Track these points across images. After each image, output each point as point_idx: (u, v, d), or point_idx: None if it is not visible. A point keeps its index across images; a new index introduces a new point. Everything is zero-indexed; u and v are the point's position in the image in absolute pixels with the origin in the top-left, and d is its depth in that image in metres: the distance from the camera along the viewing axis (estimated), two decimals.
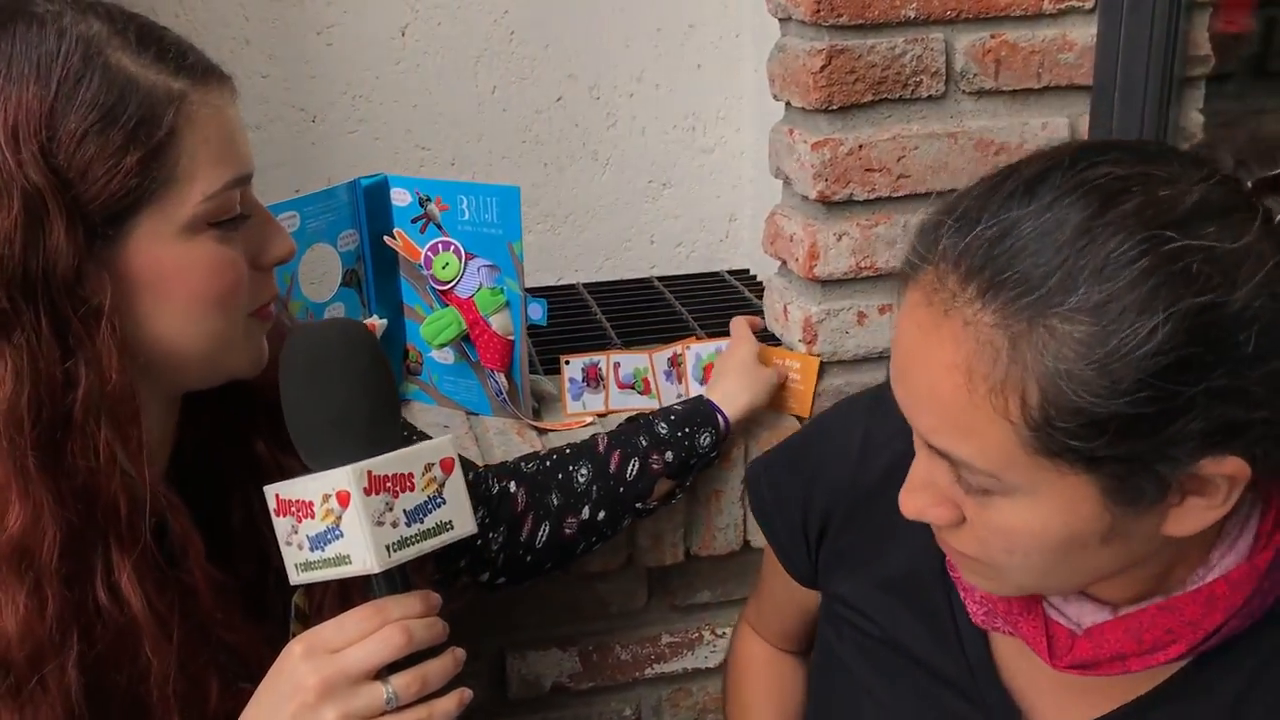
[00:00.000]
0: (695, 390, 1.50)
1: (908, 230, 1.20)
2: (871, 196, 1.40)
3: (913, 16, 1.35)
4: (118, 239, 0.83)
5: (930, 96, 1.39)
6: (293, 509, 0.84)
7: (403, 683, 0.80)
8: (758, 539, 1.42)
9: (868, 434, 1.03)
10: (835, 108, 1.36)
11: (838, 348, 1.45)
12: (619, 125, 1.98)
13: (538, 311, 1.42)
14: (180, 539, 0.89)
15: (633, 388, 1.49)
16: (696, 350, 1.50)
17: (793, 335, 1.49)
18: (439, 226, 1.43)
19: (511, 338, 1.43)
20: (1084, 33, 1.40)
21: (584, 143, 1.98)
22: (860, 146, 1.38)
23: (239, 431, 0.97)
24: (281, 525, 0.85)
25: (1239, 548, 0.80)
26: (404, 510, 0.82)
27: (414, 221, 1.44)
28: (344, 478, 0.80)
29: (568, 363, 1.48)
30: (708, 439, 1.29)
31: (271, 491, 0.86)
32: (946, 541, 0.82)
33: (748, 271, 2.04)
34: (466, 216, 1.41)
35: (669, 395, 1.49)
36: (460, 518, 0.86)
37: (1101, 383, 0.67)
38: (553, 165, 1.97)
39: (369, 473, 0.80)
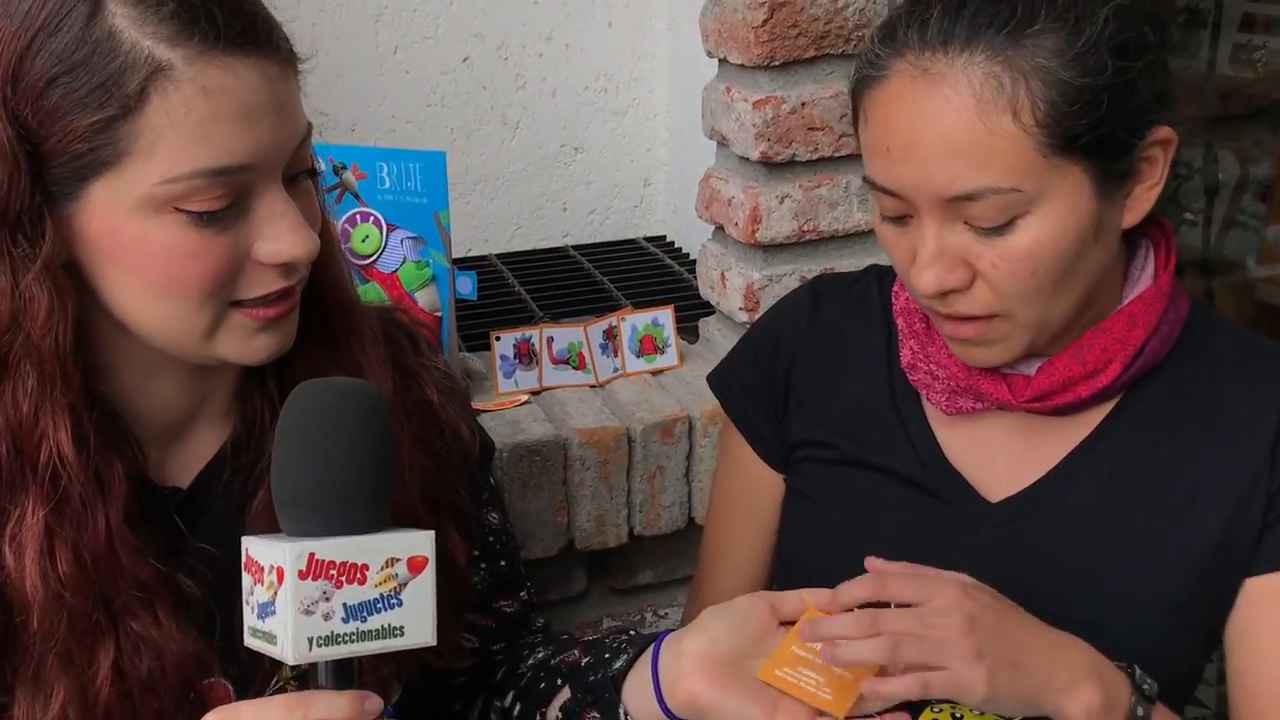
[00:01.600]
0: (632, 365, 1.44)
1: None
2: (814, 156, 1.35)
3: None
4: (76, 196, 0.79)
5: None
6: (251, 569, 0.75)
7: None
8: (702, 513, 1.37)
9: (815, 293, 1.14)
10: (777, 64, 1.31)
11: None
12: (528, 87, 1.90)
13: (467, 285, 1.34)
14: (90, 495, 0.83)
15: (567, 363, 1.42)
16: (632, 321, 1.44)
17: (732, 303, 1.43)
18: (356, 196, 1.33)
19: (439, 314, 1.34)
20: None
21: (492, 106, 1.89)
22: (803, 104, 1.33)
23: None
24: (245, 580, 0.76)
25: (1144, 279, 0.98)
26: (343, 603, 0.72)
27: (328, 191, 1.34)
28: (284, 554, 0.72)
29: (498, 339, 1.39)
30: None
31: (245, 544, 0.77)
32: (955, 312, 0.92)
33: (664, 238, 1.98)
34: (387, 185, 1.31)
35: (605, 369, 1.43)
36: (416, 625, 0.75)
37: (1083, 66, 0.86)
38: (459, 130, 1.88)
39: (310, 555, 0.72)
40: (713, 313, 1.54)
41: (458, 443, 1.04)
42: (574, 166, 1.96)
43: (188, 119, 0.77)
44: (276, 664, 0.92)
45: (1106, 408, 1.00)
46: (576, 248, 1.93)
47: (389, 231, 1.33)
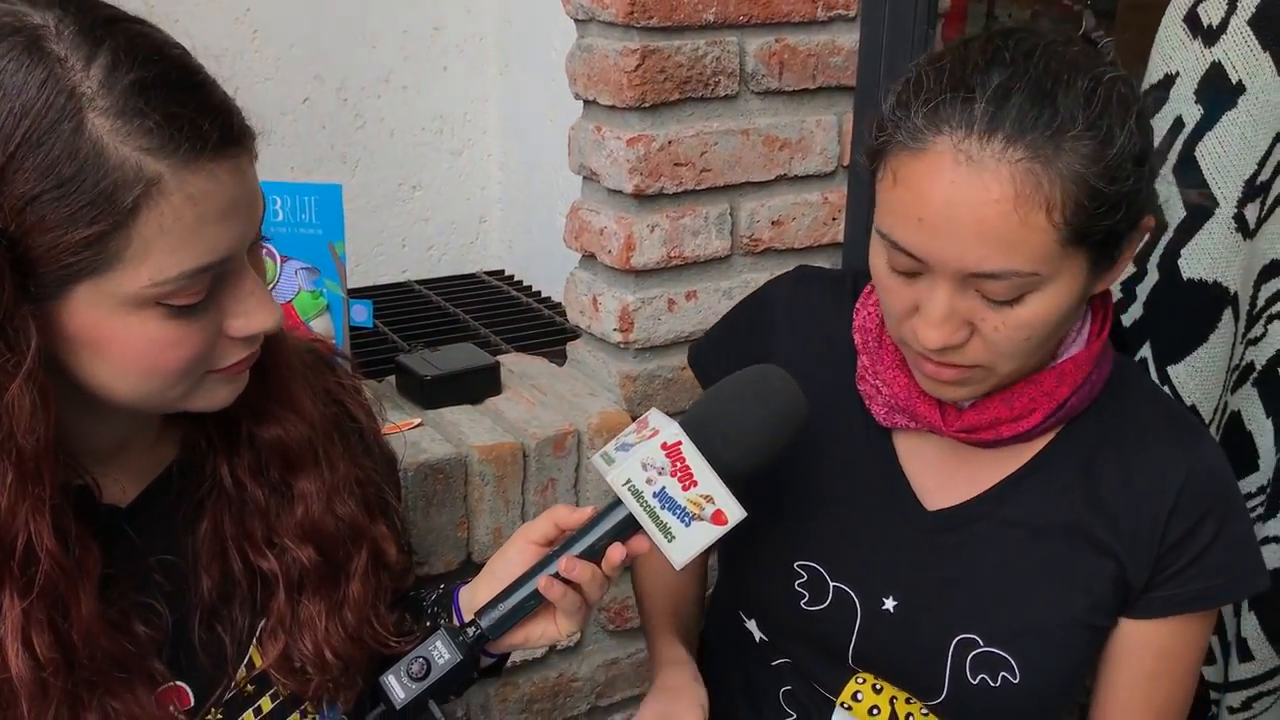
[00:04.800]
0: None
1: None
2: (679, 189, 1.48)
3: (712, 20, 1.44)
4: (57, 297, 0.79)
5: (726, 96, 1.49)
6: (641, 423, 0.98)
7: None
8: None
9: (797, 279, 1.23)
10: (648, 105, 1.43)
11: (650, 334, 1.52)
12: (367, 127, 1.95)
13: (362, 314, 1.39)
14: (70, 583, 0.84)
15: None
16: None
17: (606, 325, 1.54)
18: None
19: (334, 342, 1.38)
20: (850, 38, 1.55)
21: (332, 145, 1.92)
22: (670, 142, 1.46)
23: (227, 449, 0.97)
24: (629, 428, 0.99)
25: (1079, 342, 1.07)
26: (664, 487, 0.94)
27: None
28: (670, 427, 0.94)
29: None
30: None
31: (652, 411, 0.99)
32: (949, 363, 1.00)
33: (502, 271, 2.07)
34: (281, 217, 1.35)
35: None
36: (682, 547, 0.95)
37: (1111, 175, 0.92)
38: (300, 168, 1.90)
39: (679, 443, 0.94)
40: (574, 337, 1.65)
41: (383, 454, 1.12)
42: (412, 204, 2.01)
43: (175, 226, 0.78)
44: (235, 666, 0.97)
45: (1043, 442, 1.09)
46: (420, 282, 1.98)
47: (283, 262, 1.36)
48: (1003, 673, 1.06)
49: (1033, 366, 1.04)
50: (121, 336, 0.81)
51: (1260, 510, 1.47)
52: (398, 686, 0.96)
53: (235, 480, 0.98)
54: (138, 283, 0.78)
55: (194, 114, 0.78)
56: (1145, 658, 1.09)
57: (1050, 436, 1.09)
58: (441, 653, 0.96)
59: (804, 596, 1.11)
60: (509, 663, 1.53)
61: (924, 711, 1.12)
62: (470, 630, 0.98)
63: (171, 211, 0.78)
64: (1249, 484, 1.50)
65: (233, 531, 0.98)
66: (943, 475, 1.12)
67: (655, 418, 0.97)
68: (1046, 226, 0.91)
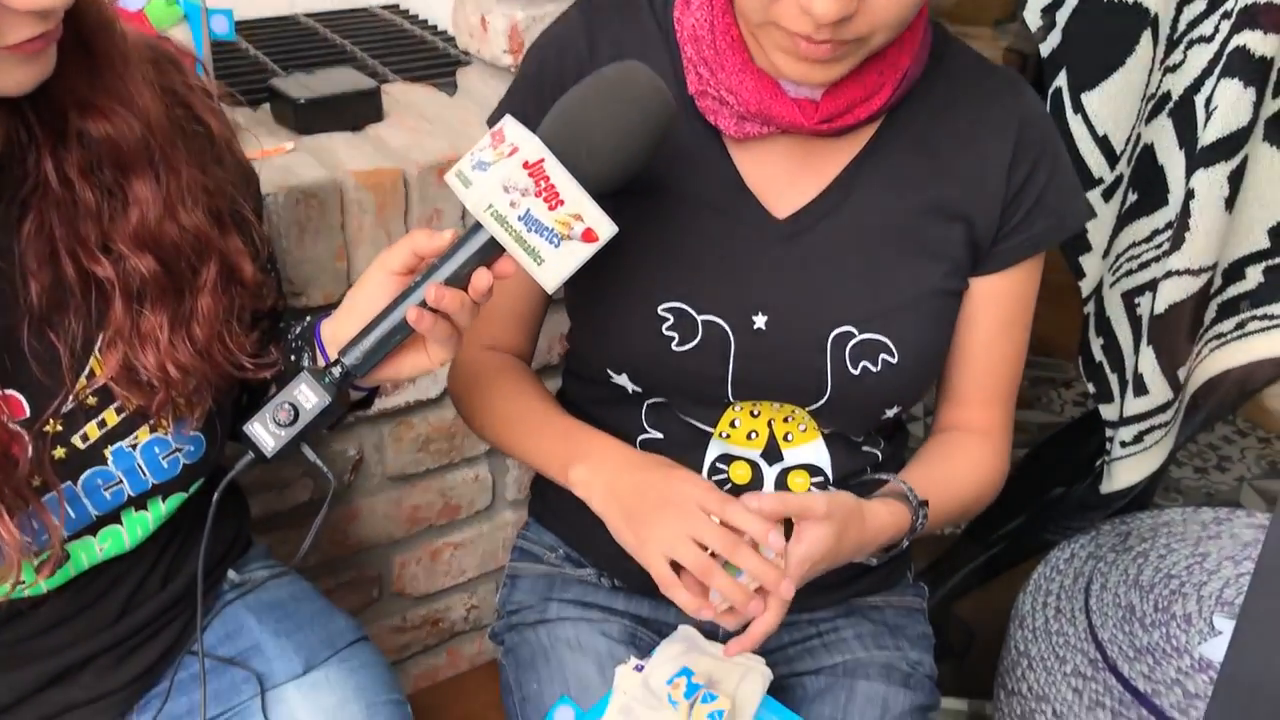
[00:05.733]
0: None
1: None
2: None
3: None
4: None
5: None
6: (496, 136, 0.89)
7: None
8: None
9: (586, 15, 1.12)
10: None
11: None
12: None
13: (223, 25, 1.29)
14: None
15: None
16: None
17: (495, 47, 1.44)
18: None
19: (194, 56, 1.28)
20: None
21: None
22: None
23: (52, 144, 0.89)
24: (483, 140, 0.90)
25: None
26: (528, 209, 0.87)
27: None
28: (530, 144, 0.87)
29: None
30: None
31: (506, 120, 0.89)
32: (828, 39, 0.92)
33: (398, 5, 1.94)
34: None
35: None
36: (552, 270, 0.89)
37: None
38: None
39: (542, 160, 0.87)
40: (465, 64, 1.55)
41: (237, 163, 1.04)
42: None
43: None
44: (73, 377, 0.92)
45: (874, 127, 1.08)
46: (309, 15, 1.85)
47: None
48: (882, 355, 1.06)
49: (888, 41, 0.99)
50: None
51: (1165, 247, 1.44)
52: (265, 434, 0.92)
53: (63, 179, 0.90)
54: None
55: None
56: (998, 310, 1.13)
57: (883, 117, 1.08)
58: (308, 396, 0.92)
59: (673, 339, 1.07)
60: (404, 403, 1.51)
61: (802, 429, 1.11)
62: (335, 370, 0.93)
63: None
64: (1157, 220, 1.47)
65: (62, 234, 0.91)
66: (784, 181, 1.08)
67: (511, 130, 0.89)
68: None
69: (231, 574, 1.14)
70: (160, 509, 1.02)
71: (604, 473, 1.06)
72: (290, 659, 1.10)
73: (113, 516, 0.99)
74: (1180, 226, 1.39)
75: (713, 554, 0.96)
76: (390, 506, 1.56)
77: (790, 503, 0.98)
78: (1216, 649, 1.54)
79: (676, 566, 0.98)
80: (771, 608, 0.97)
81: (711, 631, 1.13)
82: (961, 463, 1.17)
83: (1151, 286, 1.45)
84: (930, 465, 1.16)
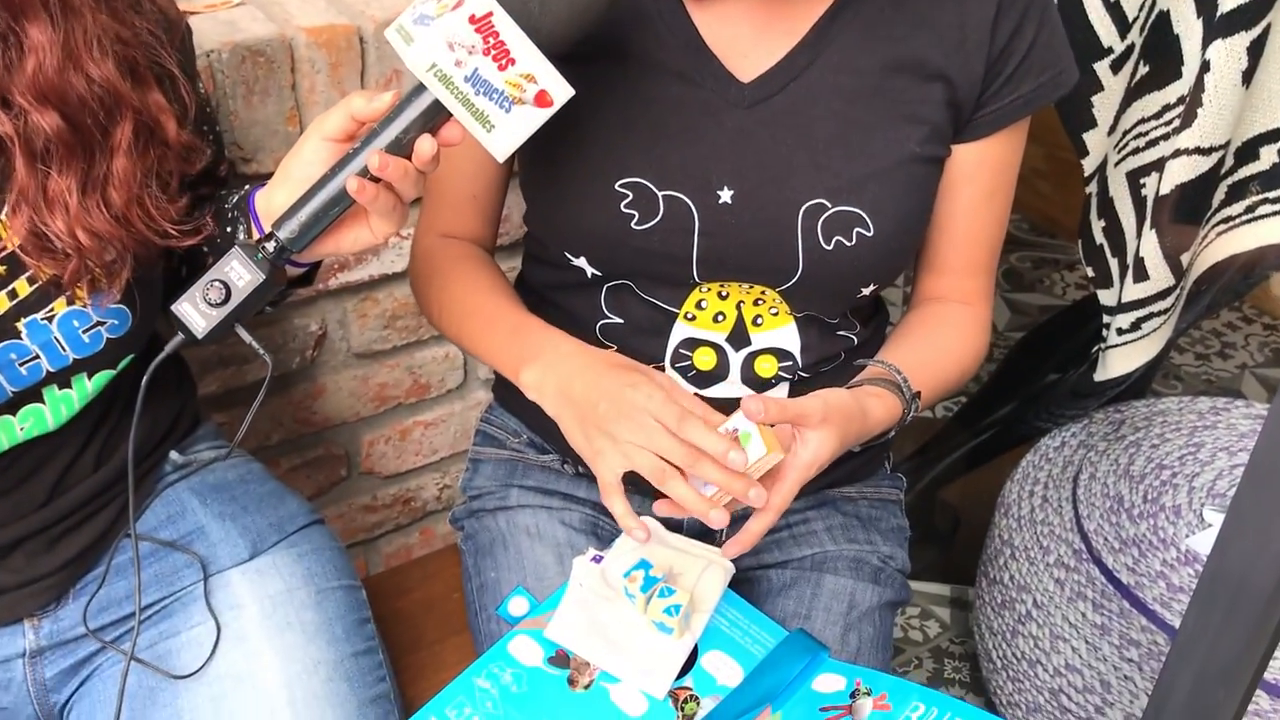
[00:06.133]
0: None
1: None
2: None
3: None
4: None
5: None
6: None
7: None
8: None
9: None
10: None
11: None
12: None
13: None
14: None
15: None
16: None
17: None
18: None
19: None
20: None
21: None
22: None
23: None
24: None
25: None
26: (476, 69, 0.80)
27: None
28: (486, 1, 0.79)
29: None
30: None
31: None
32: None
33: None
34: None
35: None
36: (502, 138, 0.82)
37: None
38: None
39: (490, 13, 0.79)
40: None
41: (158, 10, 0.95)
42: None
43: None
44: None
45: None
46: None
47: None
48: (856, 229, 0.99)
49: None
50: None
51: (1175, 124, 1.36)
52: (195, 314, 0.85)
53: None
54: None
55: None
56: (983, 177, 1.07)
57: None
58: (240, 274, 0.85)
59: (633, 217, 1.00)
60: (367, 277, 1.44)
61: (774, 312, 1.04)
62: (269, 244, 0.86)
63: None
64: (1169, 94, 1.38)
65: None
66: (749, 41, 1.00)
67: None
68: None
69: (174, 455, 1.09)
70: (86, 387, 0.96)
71: (556, 375, 1.00)
72: (235, 543, 1.06)
73: (33, 394, 0.93)
74: (1193, 101, 1.30)
75: None
76: (356, 384, 1.51)
77: (789, 409, 0.93)
78: (1204, 542, 1.50)
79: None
80: (763, 519, 0.94)
81: (674, 524, 1.08)
82: (946, 337, 1.11)
83: (1159, 166, 1.37)
84: (915, 344, 1.10)
